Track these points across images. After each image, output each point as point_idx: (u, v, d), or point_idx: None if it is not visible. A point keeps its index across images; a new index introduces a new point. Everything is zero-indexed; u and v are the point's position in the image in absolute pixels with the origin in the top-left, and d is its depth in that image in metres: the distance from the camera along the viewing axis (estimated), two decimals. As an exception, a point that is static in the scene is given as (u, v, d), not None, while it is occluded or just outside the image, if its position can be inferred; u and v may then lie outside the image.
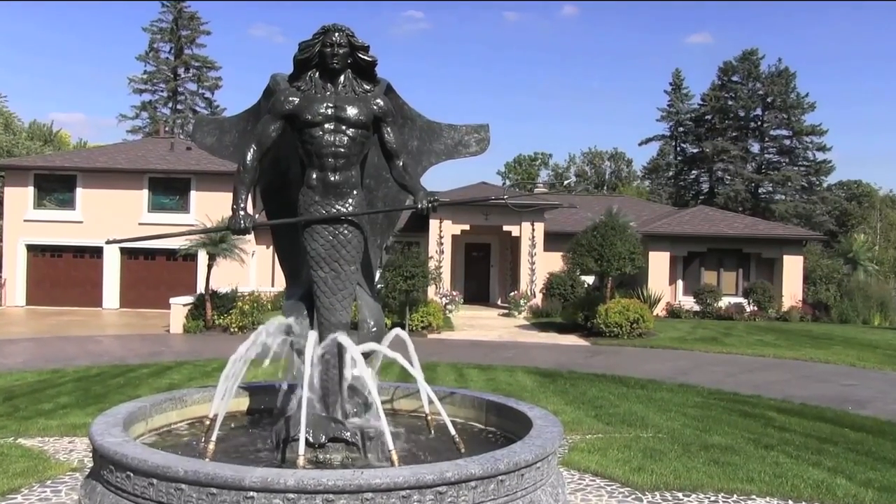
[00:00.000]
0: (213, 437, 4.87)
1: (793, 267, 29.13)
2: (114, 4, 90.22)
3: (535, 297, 27.59)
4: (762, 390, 13.08)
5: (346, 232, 5.37)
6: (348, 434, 5.10)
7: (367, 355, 5.27)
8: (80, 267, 28.50)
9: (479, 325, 24.15)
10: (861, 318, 27.74)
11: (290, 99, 5.32)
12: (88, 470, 5.55)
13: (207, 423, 5.33)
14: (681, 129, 62.80)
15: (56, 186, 28.67)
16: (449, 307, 25.83)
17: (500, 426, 5.90)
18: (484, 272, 32.31)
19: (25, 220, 28.28)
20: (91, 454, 4.98)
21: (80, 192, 28.46)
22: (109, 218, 26.91)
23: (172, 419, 5.88)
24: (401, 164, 5.42)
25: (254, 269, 28.14)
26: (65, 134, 61.08)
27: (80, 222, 28.07)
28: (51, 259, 28.59)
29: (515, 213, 27.64)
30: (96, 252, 28.07)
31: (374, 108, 5.38)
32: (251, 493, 3.89)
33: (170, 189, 28.77)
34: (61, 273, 28.39)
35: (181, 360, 15.36)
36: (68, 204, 28.54)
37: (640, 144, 68.99)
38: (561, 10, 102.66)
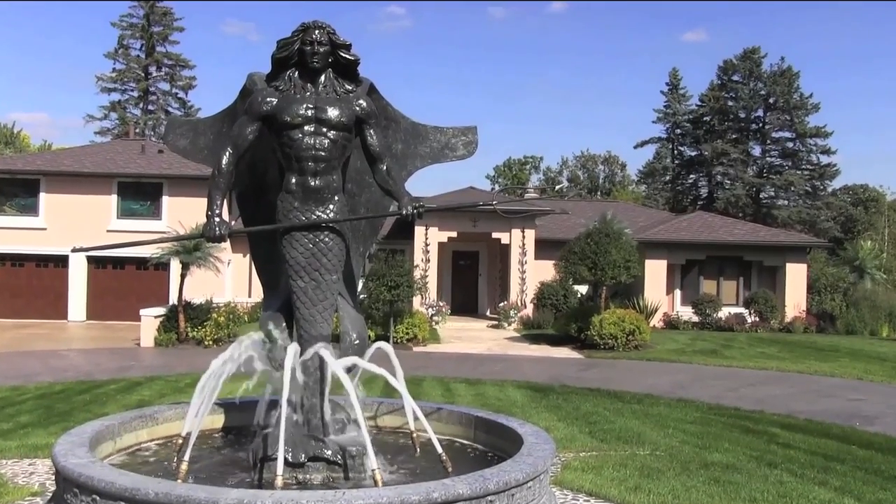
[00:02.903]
0: (186, 457, 4.86)
1: (796, 275, 29.31)
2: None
3: (525, 307, 27.63)
4: (765, 405, 13.15)
5: (326, 239, 5.38)
6: (329, 452, 5.10)
7: (349, 369, 5.28)
8: (43, 277, 28.30)
9: (466, 337, 24.16)
10: (868, 329, 27.90)
11: (268, 99, 5.34)
12: (50, 494, 5.51)
13: (180, 441, 5.31)
14: (678, 130, 63.22)
15: (17, 191, 28.48)
16: (435, 318, 25.83)
17: (490, 443, 5.91)
18: (472, 281, 32.34)
19: (-15, 227, 28.09)
20: (54, 477, 4.94)
21: (44, 197, 28.28)
22: (75, 224, 26.75)
23: (142, 438, 5.86)
24: (384, 167, 5.44)
25: (229, 279, 28.04)
26: (26, 135, 60.81)
27: (44, 229, 27.89)
28: (11, 268, 28.36)
29: (505, 220, 27.70)
30: (61, 261, 27.87)
31: (357, 109, 5.40)
32: (226, 516, 3.88)
33: (140, 194, 28.65)
34: (23, 283, 28.17)
35: (152, 375, 15.28)
36: (31, 210, 28.36)
37: (635, 147, 69.40)
38: (548, 6, 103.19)
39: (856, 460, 9.15)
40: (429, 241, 27.81)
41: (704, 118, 60.19)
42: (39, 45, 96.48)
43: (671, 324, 28.18)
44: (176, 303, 21.32)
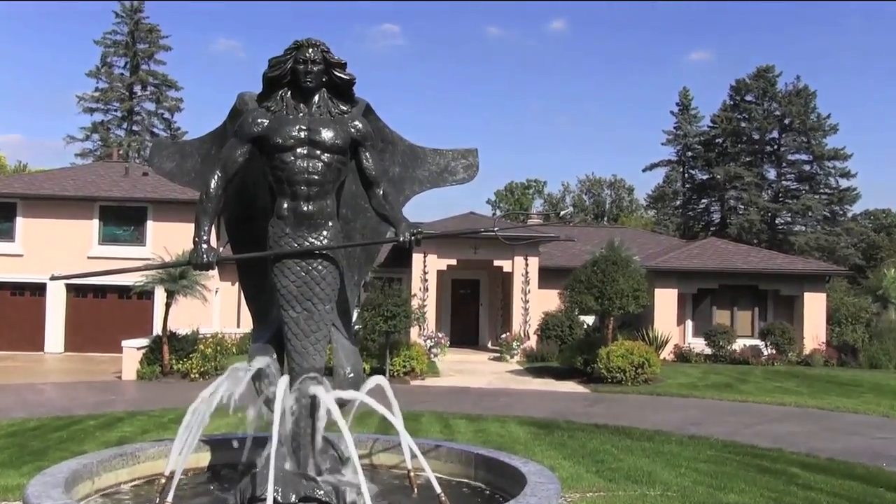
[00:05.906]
0: (170, 498, 4.84)
1: (815, 305, 29.27)
2: (59, 12, 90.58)
3: (528, 339, 27.58)
4: (783, 443, 13.10)
5: (320, 267, 5.39)
6: (322, 493, 5.08)
7: (342, 404, 5.27)
8: (19, 306, 28.26)
9: (467, 370, 24.10)
10: (893, 362, 27.79)
11: (259, 120, 5.37)
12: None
13: (163, 481, 5.29)
14: (689, 153, 63.42)
15: (-8, 215, 28.56)
16: (434, 350, 25.79)
17: (491, 483, 5.89)
18: (472, 312, 32.30)
19: (-42, 254, 28.09)
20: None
21: (21, 222, 28.31)
22: (54, 251, 26.78)
23: (123, 478, 5.83)
24: (381, 192, 5.46)
25: (217, 309, 28.01)
26: (1, 157, 61.05)
27: (20, 255, 27.90)
28: (-14, 297, 28.36)
29: (507, 247, 27.72)
30: (38, 289, 27.87)
31: (352, 130, 5.43)
32: (212, 561, 3.86)
33: (123, 219, 28.69)
34: (-3, 313, 28.16)
35: (134, 411, 15.22)
36: (6, 235, 28.37)
37: (644, 171, 69.52)
38: (548, 24, 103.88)
39: None
40: (427, 269, 27.82)
41: (716, 140, 60.38)
42: (14, 61, 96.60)
43: (682, 356, 28.12)
44: (160, 333, 21.27)
